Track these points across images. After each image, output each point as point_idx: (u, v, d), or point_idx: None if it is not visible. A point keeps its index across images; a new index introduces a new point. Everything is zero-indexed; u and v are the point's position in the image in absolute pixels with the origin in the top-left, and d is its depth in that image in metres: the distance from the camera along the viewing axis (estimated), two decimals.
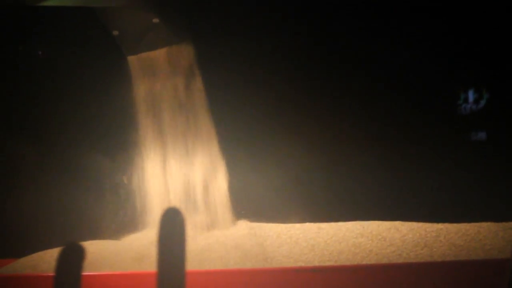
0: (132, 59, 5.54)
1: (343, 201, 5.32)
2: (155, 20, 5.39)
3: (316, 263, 4.67)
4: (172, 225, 2.65)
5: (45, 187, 5.45)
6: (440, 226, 4.96)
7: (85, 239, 5.20)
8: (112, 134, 5.52)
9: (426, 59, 5.37)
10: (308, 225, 5.23)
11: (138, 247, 5.11)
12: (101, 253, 5.04)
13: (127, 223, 5.49)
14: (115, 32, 5.40)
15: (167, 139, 5.70)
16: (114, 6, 5.20)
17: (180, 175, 5.71)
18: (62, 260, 2.70)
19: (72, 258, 2.69)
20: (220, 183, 5.73)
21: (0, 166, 5.57)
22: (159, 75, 5.65)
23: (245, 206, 5.56)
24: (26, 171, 5.53)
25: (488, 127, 5.42)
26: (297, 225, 5.24)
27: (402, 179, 5.29)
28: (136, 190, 5.55)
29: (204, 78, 5.67)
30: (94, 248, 5.11)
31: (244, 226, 5.28)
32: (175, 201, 5.63)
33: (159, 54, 5.61)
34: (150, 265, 4.52)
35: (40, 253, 5.11)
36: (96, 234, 5.36)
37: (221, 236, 5.22)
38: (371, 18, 5.38)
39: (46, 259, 4.99)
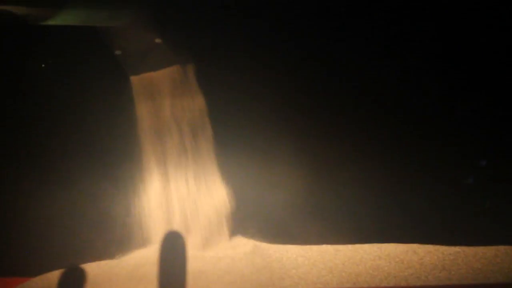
0: (134, 79, 5.60)
1: (360, 223, 5.34)
2: (158, 40, 5.47)
3: (334, 285, 4.71)
4: (174, 246, 2.70)
5: (45, 209, 5.40)
6: (457, 249, 4.99)
7: (85, 261, 5.20)
8: (113, 154, 5.53)
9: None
10: (325, 247, 5.25)
11: (137, 268, 5.12)
12: (100, 274, 5.06)
13: (126, 244, 5.49)
14: (118, 52, 5.47)
15: (168, 158, 5.71)
16: (116, 26, 5.28)
17: (182, 195, 5.69)
18: (64, 283, 2.75)
19: (73, 281, 2.73)
20: (224, 202, 5.70)
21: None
22: (161, 95, 5.68)
23: (261, 227, 5.61)
24: (27, 192, 5.47)
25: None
26: (314, 247, 5.27)
27: (418, 201, 5.30)
28: (136, 210, 5.55)
29: (206, 97, 5.71)
30: (93, 269, 5.11)
31: (259, 248, 5.32)
32: (177, 221, 5.63)
33: (161, 74, 5.65)
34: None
35: (43, 276, 5.09)
36: (95, 255, 5.34)
37: (225, 257, 5.29)
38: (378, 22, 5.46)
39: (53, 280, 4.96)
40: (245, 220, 5.73)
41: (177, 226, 5.61)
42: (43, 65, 5.43)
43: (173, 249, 2.68)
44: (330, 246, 5.25)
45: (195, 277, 4.87)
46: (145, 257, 5.21)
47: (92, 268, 5.14)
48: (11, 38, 5.16)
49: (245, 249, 5.37)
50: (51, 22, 4.89)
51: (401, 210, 5.30)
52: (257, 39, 5.59)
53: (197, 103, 5.76)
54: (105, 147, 5.50)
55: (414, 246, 5.08)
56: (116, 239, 5.48)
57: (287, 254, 5.22)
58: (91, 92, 5.43)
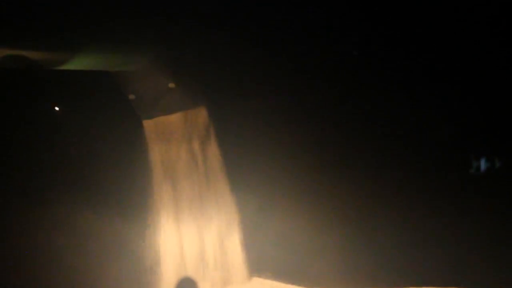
0: (148, 123, 5.72)
1: (402, 266, 5.40)
2: (171, 85, 5.65)
3: None
4: None
5: (58, 248, 5.29)
6: None
7: None
8: (128, 197, 5.56)
9: None
10: None
11: None
12: None
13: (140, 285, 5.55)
14: (131, 96, 5.63)
15: (182, 201, 5.80)
16: (130, 70, 5.50)
17: (196, 238, 5.79)
18: None
19: None
20: (240, 245, 5.84)
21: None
22: (175, 139, 5.81)
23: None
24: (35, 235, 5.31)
25: None
26: None
27: (458, 243, 5.33)
28: (151, 251, 5.63)
29: (219, 141, 5.87)
30: None
31: None
32: (191, 265, 5.75)
33: (175, 118, 5.79)
34: None
35: None
36: None
37: None
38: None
39: None
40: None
41: (190, 270, 5.72)
42: (57, 109, 5.43)
43: None
44: None
45: None
46: None
47: None
48: (26, 82, 5.20)
49: None
50: (64, 67, 5.14)
51: (440, 253, 5.34)
52: (271, 80, 5.77)
53: (212, 147, 5.89)
54: (116, 192, 5.52)
55: None
56: (126, 283, 5.51)
57: None
58: (103, 137, 5.49)
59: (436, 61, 5.48)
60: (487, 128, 5.45)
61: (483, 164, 5.50)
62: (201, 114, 5.86)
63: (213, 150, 5.93)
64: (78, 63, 5.19)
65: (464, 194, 5.44)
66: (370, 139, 5.71)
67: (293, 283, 5.74)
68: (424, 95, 5.49)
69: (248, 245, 5.94)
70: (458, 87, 5.45)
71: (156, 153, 5.80)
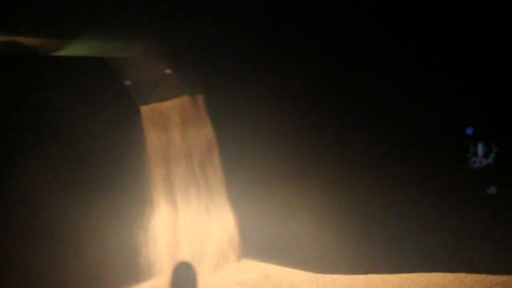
0: (144, 109, 5.71)
1: (406, 252, 5.42)
2: (167, 71, 5.66)
3: None
4: (183, 276, 2.76)
5: (54, 238, 5.24)
6: (504, 278, 5.02)
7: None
8: (124, 181, 5.56)
9: None
10: (372, 277, 5.36)
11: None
12: None
13: (134, 275, 5.56)
14: (128, 82, 5.61)
15: (176, 185, 5.83)
16: (127, 56, 5.43)
17: (191, 222, 5.81)
18: None
19: None
20: (234, 228, 5.90)
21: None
22: (170, 125, 5.84)
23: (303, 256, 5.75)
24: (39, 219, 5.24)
25: None
26: (361, 277, 5.38)
27: (464, 230, 5.35)
28: (146, 233, 5.64)
29: (214, 127, 5.93)
30: None
31: (313, 279, 5.43)
32: (186, 249, 5.76)
33: (171, 104, 5.81)
34: None
35: None
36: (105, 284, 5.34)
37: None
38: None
39: None
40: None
41: (186, 253, 5.73)
42: (54, 97, 5.35)
43: (182, 279, 2.73)
44: (377, 276, 5.35)
45: None
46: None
47: None
48: (21, 68, 5.12)
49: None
50: (61, 53, 5.03)
51: (447, 239, 5.37)
52: (266, 67, 5.69)
53: (207, 132, 5.94)
54: (113, 177, 5.51)
55: (461, 275, 5.15)
56: (124, 270, 5.53)
57: (334, 284, 5.33)
58: (100, 122, 5.46)
59: (436, 58, 5.40)
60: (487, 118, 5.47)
61: (480, 154, 5.53)
62: (196, 100, 5.88)
63: (208, 135, 5.95)
64: (74, 50, 5.08)
65: (462, 184, 5.45)
66: (370, 123, 5.60)
67: (285, 265, 5.77)
68: (422, 90, 5.46)
69: (241, 228, 5.98)
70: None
71: (151, 138, 5.80)
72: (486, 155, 5.39)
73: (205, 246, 5.88)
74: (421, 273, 5.25)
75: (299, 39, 5.60)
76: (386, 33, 5.42)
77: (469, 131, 5.45)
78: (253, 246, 6.00)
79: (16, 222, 5.00)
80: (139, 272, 5.58)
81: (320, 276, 5.45)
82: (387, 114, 5.53)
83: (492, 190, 5.25)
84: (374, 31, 5.43)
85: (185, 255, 5.73)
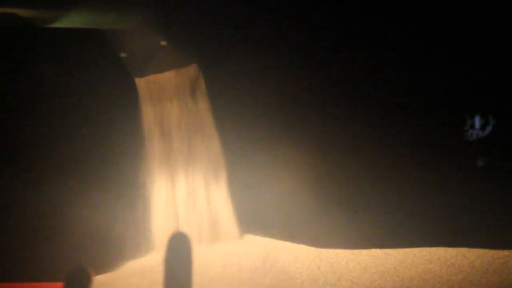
0: (139, 81, 5.70)
1: (407, 227, 5.46)
2: (163, 43, 5.62)
3: None
4: (180, 248, 2.79)
5: (47, 214, 5.25)
6: (506, 252, 5.09)
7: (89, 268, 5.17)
8: (118, 157, 5.57)
9: None
10: (374, 251, 5.40)
11: (144, 274, 5.22)
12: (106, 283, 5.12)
13: (132, 249, 5.58)
14: (123, 54, 5.59)
15: (174, 157, 5.84)
16: (122, 28, 5.41)
17: (189, 195, 5.82)
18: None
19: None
20: (227, 201, 5.86)
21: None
22: (166, 96, 5.82)
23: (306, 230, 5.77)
24: (30, 197, 5.26)
25: None
26: (364, 251, 5.42)
27: (465, 205, 5.40)
28: (143, 205, 5.67)
29: (209, 99, 5.88)
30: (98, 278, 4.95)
31: (316, 253, 5.47)
32: (184, 221, 5.78)
33: (166, 76, 5.78)
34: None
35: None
36: (99, 262, 5.26)
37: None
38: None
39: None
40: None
41: (184, 226, 5.74)
42: (48, 69, 5.35)
43: (180, 250, 2.76)
44: (379, 250, 5.39)
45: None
46: (152, 262, 5.36)
47: (97, 277, 4.95)
48: (17, 40, 5.16)
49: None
50: (57, 25, 5.01)
51: (449, 214, 5.42)
52: (264, 40, 5.66)
53: (203, 104, 5.90)
54: (109, 150, 5.53)
55: (463, 250, 5.20)
56: (122, 244, 5.54)
57: (337, 259, 5.37)
58: (96, 95, 5.46)
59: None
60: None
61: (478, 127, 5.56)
62: (192, 72, 5.83)
63: (204, 107, 5.91)
64: (70, 21, 5.06)
65: (464, 158, 5.51)
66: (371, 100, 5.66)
67: (287, 240, 5.79)
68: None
69: (240, 202, 5.96)
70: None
71: (147, 110, 5.79)
72: (483, 127, 5.41)
73: (203, 220, 5.89)
74: (423, 248, 5.31)
75: (305, 9, 5.58)
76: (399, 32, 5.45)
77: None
78: (254, 221, 5.99)
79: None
80: (138, 246, 5.61)
81: (324, 251, 5.49)
82: (391, 93, 5.56)
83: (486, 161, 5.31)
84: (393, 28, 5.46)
85: (183, 229, 5.72)
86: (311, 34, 5.60)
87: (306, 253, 5.48)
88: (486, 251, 5.14)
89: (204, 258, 5.41)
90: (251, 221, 5.99)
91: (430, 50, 5.43)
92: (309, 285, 5.00)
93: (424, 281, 4.84)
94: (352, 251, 5.44)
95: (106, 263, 5.37)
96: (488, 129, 5.42)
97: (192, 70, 5.83)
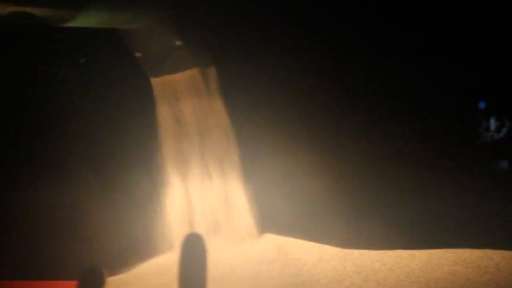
0: (154, 81, 5.74)
1: (432, 228, 5.51)
2: (178, 43, 5.70)
3: None
4: (195, 250, 2.80)
5: (62, 213, 5.32)
6: None
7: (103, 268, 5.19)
8: (135, 153, 5.62)
9: None
10: (399, 252, 5.44)
11: (160, 268, 5.29)
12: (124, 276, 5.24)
13: (148, 250, 5.59)
14: (138, 54, 5.66)
15: (189, 158, 5.90)
16: (137, 28, 5.50)
17: (205, 196, 5.89)
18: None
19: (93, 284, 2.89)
20: (244, 202, 5.91)
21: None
22: (181, 96, 5.87)
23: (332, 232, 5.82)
24: (45, 196, 5.28)
25: None
26: (389, 252, 5.46)
27: (491, 207, 5.43)
28: (159, 209, 5.70)
29: (226, 99, 5.95)
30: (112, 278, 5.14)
31: (341, 254, 5.52)
32: (200, 223, 5.83)
33: (181, 76, 5.86)
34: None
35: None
36: (114, 263, 5.31)
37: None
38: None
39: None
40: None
41: (199, 228, 5.78)
42: (62, 67, 5.40)
43: (194, 252, 2.77)
44: (404, 251, 5.43)
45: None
46: (166, 264, 5.40)
47: (114, 277, 5.22)
48: (32, 40, 5.20)
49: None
50: (72, 24, 5.13)
51: (472, 215, 5.45)
52: (278, 39, 5.74)
53: (218, 104, 5.96)
54: (124, 150, 5.57)
55: (489, 251, 5.22)
56: (138, 244, 5.56)
57: (362, 259, 5.42)
58: (110, 94, 5.50)
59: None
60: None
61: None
62: (207, 72, 5.89)
63: (219, 107, 5.96)
64: (84, 21, 5.14)
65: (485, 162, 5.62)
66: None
67: (311, 240, 5.83)
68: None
69: (256, 202, 6.02)
70: None
71: (162, 110, 5.83)
72: (498, 129, 5.43)
73: (220, 220, 5.96)
74: (448, 249, 5.33)
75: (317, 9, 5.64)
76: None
77: (482, 105, 5.52)
78: (276, 221, 6.04)
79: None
80: (154, 246, 5.65)
81: (349, 251, 5.53)
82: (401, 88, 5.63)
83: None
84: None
85: (199, 229, 5.80)
86: (328, 34, 5.67)
87: (331, 253, 5.53)
88: (511, 252, 5.16)
89: (224, 258, 5.48)
90: (272, 221, 6.04)
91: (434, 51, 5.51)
92: (335, 285, 5.04)
93: (450, 283, 4.86)
94: (377, 252, 5.48)
95: (123, 264, 5.42)
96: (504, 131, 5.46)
97: (207, 69, 5.89)
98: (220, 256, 5.48)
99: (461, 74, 5.53)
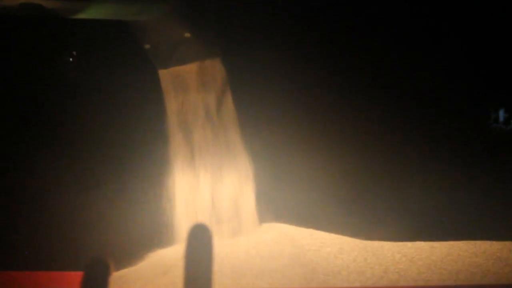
0: (163, 73, 5.68)
1: (451, 220, 5.58)
2: (187, 35, 5.59)
3: (435, 282, 4.96)
4: (201, 240, 2.79)
5: (73, 202, 5.43)
6: None
7: (114, 254, 5.02)
8: (142, 147, 5.63)
9: None
10: (419, 244, 5.51)
11: (167, 261, 5.25)
12: (126, 275, 5.19)
13: (154, 242, 5.57)
14: (147, 46, 5.59)
15: (196, 151, 5.80)
16: (146, 20, 5.42)
17: (210, 188, 5.80)
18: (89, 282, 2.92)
19: (99, 280, 2.90)
20: (249, 196, 5.82)
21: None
22: (190, 89, 5.78)
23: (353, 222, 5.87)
24: (56, 186, 5.49)
25: None
26: (409, 244, 5.53)
27: (509, 197, 5.49)
28: (166, 201, 5.65)
29: (234, 92, 5.83)
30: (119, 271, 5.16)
31: (361, 245, 5.59)
32: (206, 214, 5.76)
33: (190, 69, 5.74)
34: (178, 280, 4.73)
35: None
36: (119, 255, 5.25)
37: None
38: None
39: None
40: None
41: (205, 218, 5.71)
42: (71, 59, 5.48)
43: (200, 243, 2.76)
44: (424, 243, 5.50)
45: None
46: (173, 256, 5.34)
47: (118, 270, 5.19)
48: (41, 31, 5.24)
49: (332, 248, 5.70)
50: (81, 16, 5.06)
51: (493, 207, 5.51)
52: (286, 33, 5.73)
53: (226, 97, 5.84)
54: (130, 144, 5.60)
55: (508, 243, 5.29)
56: (143, 237, 5.56)
57: (383, 251, 5.49)
58: (120, 86, 5.52)
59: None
60: None
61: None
62: (217, 64, 5.82)
63: (228, 100, 5.91)
64: (93, 12, 5.12)
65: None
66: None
67: (332, 232, 5.82)
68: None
69: (269, 194, 5.98)
70: None
71: (171, 103, 5.80)
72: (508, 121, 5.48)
73: (226, 211, 5.94)
74: (468, 241, 5.39)
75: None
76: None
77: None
78: (289, 212, 6.03)
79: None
80: (160, 240, 5.64)
81: (369, 243, 5.59)
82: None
83: None
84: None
85: (204, 220, 5.75)
86: (342, 29, 5.70)
87: (352, 245, 5.59)
88: None
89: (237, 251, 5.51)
90: (288, 213, 6.05)
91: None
92: (357, 277, 5.11)
93: (472, 274, 4.94)
94: (397, 244, 5.53)
95: (128, 258, 5.41)
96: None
97: (216, 62, 5.82)
98: (233, 251, 5.52)
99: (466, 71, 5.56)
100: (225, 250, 5.37)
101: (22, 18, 5.04)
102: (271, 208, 6.00)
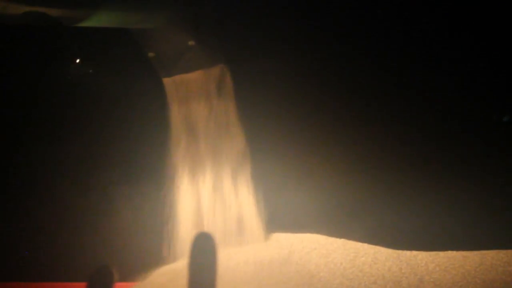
0: (167, 81, 5.72)
1: (483, 229, 5.69)
2: (191, 43, 5.69)
3: None
4: (205, 253, 2.76)
5: (76, 210, 5.45)
6: None
7: (116, 264, 5.12)
8: (146, 154, 5.63)
9: None
10: (451, 253, 5.63)
11: (171, 275, 5.21)
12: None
13: (156, 257, 5.53)
14: (151, 54, 5.66)
15: (200, 159, 5.81)
16: (150, 28, 5.52)
17: (216, 199, 5.77)
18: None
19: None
20: (253, 204, 5.79)
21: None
22: (194, 97, 5.82)
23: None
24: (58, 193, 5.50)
25: None
26: (441, 253, 5.65)
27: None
28: (168, 208, 5.64)
29: (238, 100, 5.87)
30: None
31: (395, 255, 5.71)
32: (208, 222, 5.74)
33: (194, 76, 5.80)
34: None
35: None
36: (122, 270, 5.20)
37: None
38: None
39: None
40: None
41: (209, 230, 5.66)
42: (75, 67, 5.45)
43: (205, 254, 2.74)
44: (456, 252, 5.62)
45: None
46: (176, 271, 5.34)
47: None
48: (44, 40, 5.25)
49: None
50: (85, 24, 5.21)
51: None
52: (292, 40, 5.74)
53: (230, 105, 5.88)
54: (134, 151, 5.60)
55: None
56: (145, 251, 5.55)
57: (416, 260, 5.61)
58: (124, 94, 5.53)
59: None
60: None
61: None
62: (221, 72, 5.87)
63: (232, 108, 5.94)
64: (97, 20, 5.23)
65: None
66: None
67: (365, 242, 5.92)
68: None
69: (265, 204, 5.98)
70: None
71: (175, 111, 5.82)
72: None
73: (231, 223, 5.92)
74: (499, 250, 5.52)
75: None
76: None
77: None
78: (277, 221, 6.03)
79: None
80: (163, 252, 5.63)
81: (402, 253, 5.72)
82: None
83: None
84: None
85: (208, 233, 5.71)
86: (347, 34, 5.77)
87: (386, 254, 5.72)
88: None
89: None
90: (316, 222, 6.11)
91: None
92: (393, 286, 5.25)
93: (506, 284, 5.07)
94: (430, 253, 5.65)
95: (132, 272, 5.39)
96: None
97: (220, 70, 5.87)
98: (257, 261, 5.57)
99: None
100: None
101: (26, 26, 5.12)
102: (300, 217, 6.11)
